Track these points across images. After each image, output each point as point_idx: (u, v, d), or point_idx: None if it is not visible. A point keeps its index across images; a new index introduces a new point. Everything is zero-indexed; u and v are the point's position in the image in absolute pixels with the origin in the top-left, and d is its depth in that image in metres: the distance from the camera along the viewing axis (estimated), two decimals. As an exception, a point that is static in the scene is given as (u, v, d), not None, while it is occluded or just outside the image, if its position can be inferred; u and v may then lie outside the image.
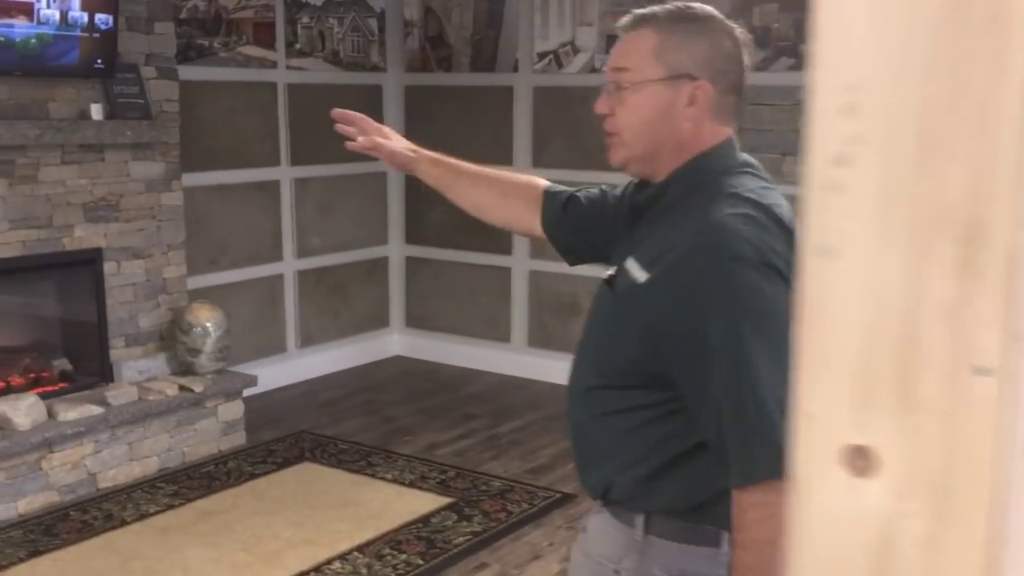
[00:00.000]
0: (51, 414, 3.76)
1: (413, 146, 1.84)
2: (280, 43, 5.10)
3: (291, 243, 5.31)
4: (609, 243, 1.62)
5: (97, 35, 3.87)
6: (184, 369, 4.33)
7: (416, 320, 5.94)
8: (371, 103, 5.65)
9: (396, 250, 5.91)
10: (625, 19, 1.49)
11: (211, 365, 4.31)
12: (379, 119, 5.66)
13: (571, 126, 5.20)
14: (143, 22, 4.20)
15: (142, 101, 4.16)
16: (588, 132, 5.16)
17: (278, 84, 5.12)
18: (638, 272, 1.42)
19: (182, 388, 4.16)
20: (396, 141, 1.83)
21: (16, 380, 3.96)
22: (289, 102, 5.16)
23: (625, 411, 1.46)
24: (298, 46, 5.19)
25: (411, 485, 4.01)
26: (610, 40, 5.03)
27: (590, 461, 1.56)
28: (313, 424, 4.76)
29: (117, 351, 4.24)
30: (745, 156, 1.51)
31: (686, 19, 1.45)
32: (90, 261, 4.11)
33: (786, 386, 1.36)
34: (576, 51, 5.12)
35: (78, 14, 3.80)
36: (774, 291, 1.32)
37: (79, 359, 4.21)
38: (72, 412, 3.78)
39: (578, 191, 1.76)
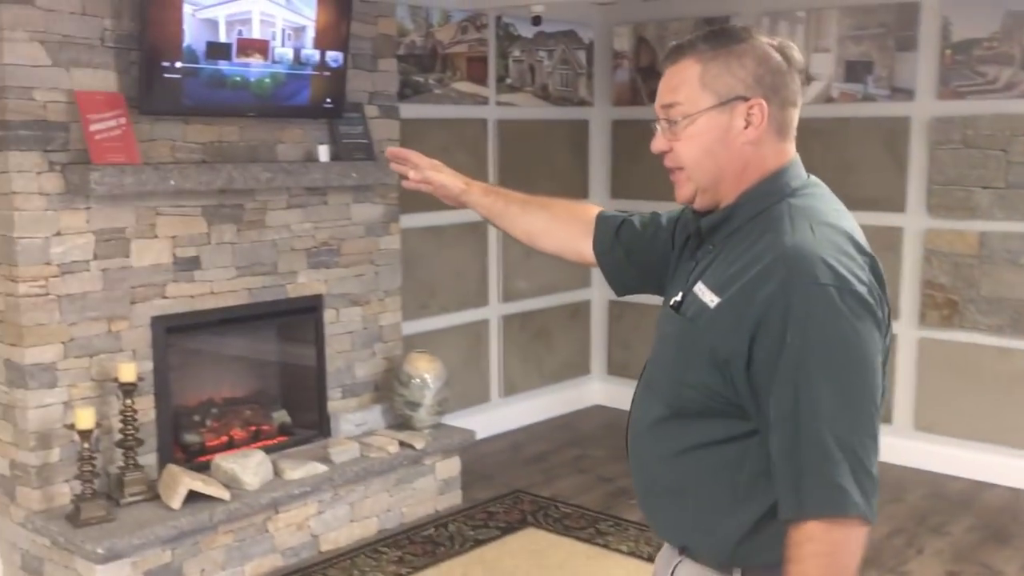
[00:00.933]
0: (276, 472, 3.56)
1: (465, 178, 1.82)
2: (491, 78, 4.86)
3: (497, 287, 5.05)
4: (662, 270, 1.58)
5: (328, 73, 3.70)
6: (400, 422, 4.10)
7: (618, 368, 5.58)
8: (577, 138, 5.37)
9: (599, 293, 5.57)
10: (665, 52, 1.45)
11: (429, 419, 4.06)
12: (584, 155, 5.46)
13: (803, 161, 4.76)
14: (368, 59, 4.02)
15: (366, 141, 3.97)
16: (820, 168, 4.69)
17: (488, 121, 4.88)
18: (709, 296, 1.35)
19: (403, 444, 3.91)
20: (447, 175, 1.81)
21: (238, 434, 3.79)
22: (498, 139, 4.92)
23: (704, 447, 1.37)
24: (509, 81, 4.95)
25: (651, 559, 3.63)
26: (849, 67, 4.60)
27: (666, 508, 1.44)
28: (526, 482, 4.44)
29: (334, 402, 4.04)
30: (811, 176, 1.45)
31: (725, 40, 1.39)
32: (312, 308, 3.93)
33: (854, 424, 1.26)
34: (809, 80, 4.70)
35: (311, 52, 3.63)
36: (853, 321, 1.25)
37: (296, 410, 4.03)
38: (297, 471, 3.57)
39: (631, 216, 1.72)
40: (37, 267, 3.14)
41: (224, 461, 3.46)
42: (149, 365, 3.44)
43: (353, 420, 4.02)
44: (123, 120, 3.24)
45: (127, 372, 3.25)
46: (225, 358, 3.94)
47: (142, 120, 3.33)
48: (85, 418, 3.11)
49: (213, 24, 3.33)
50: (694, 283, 1.40)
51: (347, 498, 3.73)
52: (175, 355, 3.57)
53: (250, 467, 3.45)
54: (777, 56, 1.38)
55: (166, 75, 3.26)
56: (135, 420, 3.29)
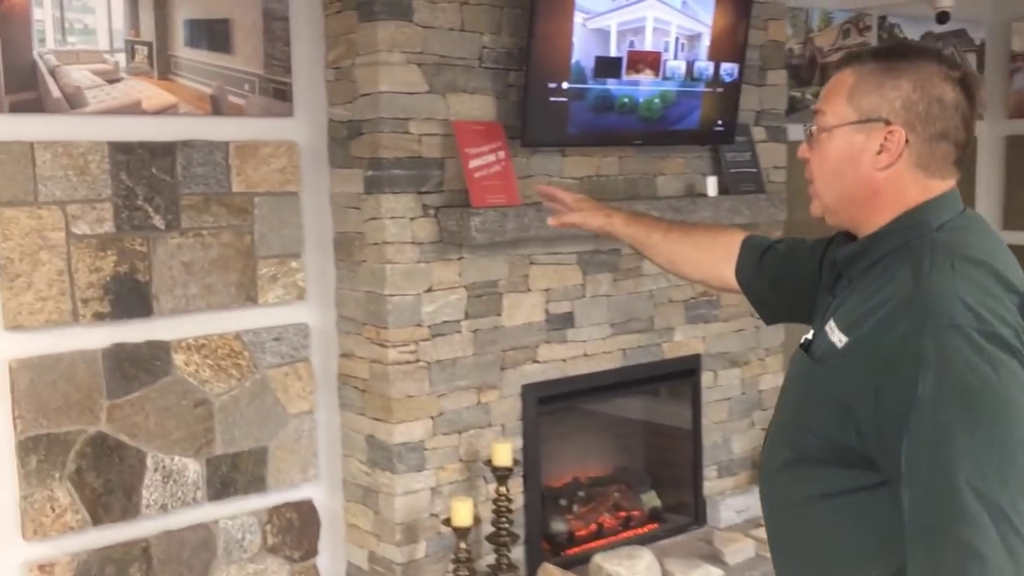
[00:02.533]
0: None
1: (607, 209, 1.78)
2: (871, 90, 4.08)
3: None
4: (808, 300, 1.45)
5: (720, 90, 3.06)
6: (786, 509, 3.37)
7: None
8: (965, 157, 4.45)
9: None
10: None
11: (828, 509, 3.31)
12: (970, 176, 4.51)
13: None
14: (755, 72, 3.34)
15: (754, 170, 3.30)
16: None
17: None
18: (837, 336, 1.23)
19: (803, 542, 3.18)
20: (589, 210, 1.77)
21: (607, 521, 3.20)
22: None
23: (831, 497, 1.22)
24: (890, 92, 4.14)
25: None
26: None
27: (795, 561, 1.30)
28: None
29: (709, 482, 3.38)
30: (967, 209, 1.29)
31: (890, 58, 1.26)
32: (689, 371, 3.29)
33: (1001, 479, 1.09)
34: None
35: (704, 64, 3.00)
36: (995, 368, 1.09)
37: (663, 491, 3.39)
38: (688, 574, 2.92)
39: (778, 242, 1.61)
40: (408, 329, 2.67)
41: (607, 562, 2.86)
42: (518, 442, 2.90)
43: (733, 506, 3.34)
44: (502, 154, 2.73)
45: (502, 454, 2.73)
46: (590, 431, 3.36)
47: (518, 153, 2.82)
48: (463, 512, 2.60)
49: (603, 35, 2.77)
50: (826, 321, 1.28)
51: (740, 608, 3.05)
52: (544, 428, 3.03)
53: (639, 571, 2.83)
54: (947, 87, 1.23)
55: (551, 99, 2.73)
56: (509, 511, 2.76)
